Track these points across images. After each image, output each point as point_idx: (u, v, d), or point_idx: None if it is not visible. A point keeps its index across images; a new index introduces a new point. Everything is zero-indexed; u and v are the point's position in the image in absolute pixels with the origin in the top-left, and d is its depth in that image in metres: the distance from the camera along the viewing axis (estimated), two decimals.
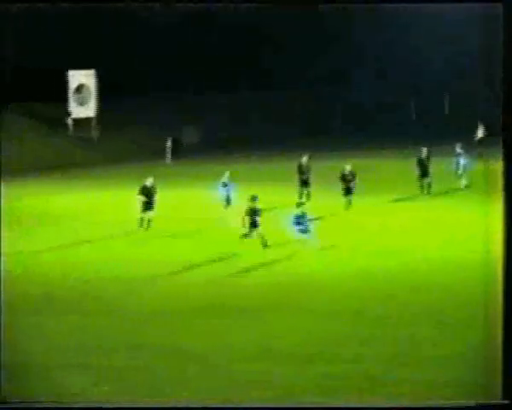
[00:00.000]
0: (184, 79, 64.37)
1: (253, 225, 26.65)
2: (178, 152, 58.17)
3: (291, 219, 26.40)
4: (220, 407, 11.79)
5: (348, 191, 35.22)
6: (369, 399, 13.09)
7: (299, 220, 26.23)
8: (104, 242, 29.54)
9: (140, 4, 34.94)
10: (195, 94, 64.78)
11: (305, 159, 37.73)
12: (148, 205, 30.75)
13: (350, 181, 35.48)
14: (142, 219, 30.60)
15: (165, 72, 63.76)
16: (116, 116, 59.85)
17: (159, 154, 56.91)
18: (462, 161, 39.34)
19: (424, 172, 38.04)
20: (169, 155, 57.53)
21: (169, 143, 57.80)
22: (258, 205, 27.03)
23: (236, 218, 30.66)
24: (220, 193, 33.95)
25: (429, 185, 38.09)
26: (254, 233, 26.76)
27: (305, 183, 36.97)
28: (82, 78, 58.94)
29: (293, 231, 26.28)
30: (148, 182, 31.32)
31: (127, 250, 28.39)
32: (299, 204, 28.10)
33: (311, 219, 26.66)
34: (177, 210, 35.90)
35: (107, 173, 50.11)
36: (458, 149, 39.72)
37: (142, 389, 15.54)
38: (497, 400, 10.20)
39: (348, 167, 36.08)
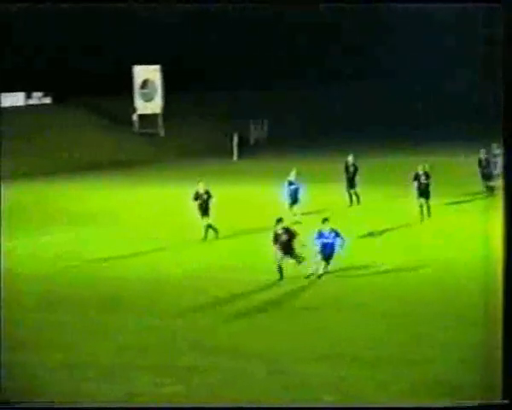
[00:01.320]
0: (253, 75, 63.68)
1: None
2: (245, 149, 57.32)
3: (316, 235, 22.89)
4: (222, 408, 10.90)
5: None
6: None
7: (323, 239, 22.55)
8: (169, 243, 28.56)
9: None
10: (263, 90, 64.02)
11: (350, 158, 35.41)
12: (203, 211, 28.64)
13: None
14: (205, 228, 28.57)
15: (234, 67, 63.17)
16: (182, 112, 59.35)
17: (225, 151, 56.19)
18: (499, 161, 37.50)
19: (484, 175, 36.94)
20: (235, 153, 56.66)
21: (235, 140, 56.92)
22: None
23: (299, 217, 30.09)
24: (286, 192, 32.18)
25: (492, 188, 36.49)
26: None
27: (350, 182, 34.86)
28: (147, 73, 58.54)
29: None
30: (201, 188, 29.04)
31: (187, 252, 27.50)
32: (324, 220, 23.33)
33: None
34: (240, 209, 34.93)
35: (172, 170, 49.47)
36: (497, 150, 37.90)
37: (207, 390, 15.20)
38: (497, 400, 10.19)
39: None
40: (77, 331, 18.90)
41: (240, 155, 56.28)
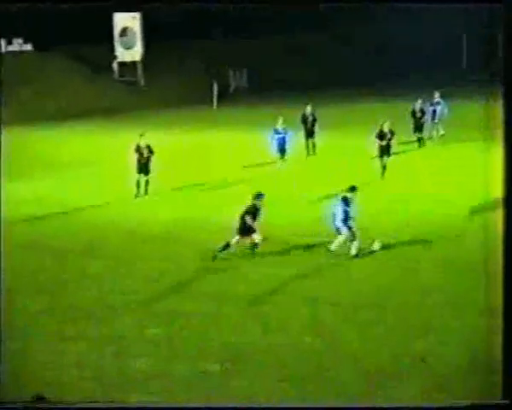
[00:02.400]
0: (231, 22, 63.23)
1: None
2: (225, 97, 57.20)
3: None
4: (221, 407, 11.39)
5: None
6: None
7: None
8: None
9: None
10: (243, 38, 63.63)
11: (308, 108, 34.42)
12: (142, 167, 27.40)
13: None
14: (138, 182, 27.44)
15: (211, 15, 62.68)
16: (162, 61, 59.02)
17: (205, 99, 56.03)
18: (439, 109, 37.28)
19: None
20: (215, 101, 56.57)
21: (215, 88, 56.79)
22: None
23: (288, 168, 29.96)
24: (272, 141, 31.55)
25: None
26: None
27: (309, 133, 34.04)
28: (127, 21, 58.04)
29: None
30: (142, 142, 27.62)
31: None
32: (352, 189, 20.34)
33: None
34: (224, 157, 34.92)
35: (152, 118, 49.36)
36: (437, 98, 37.64)
37: (188, 333, 15.46)
38: (497, 400, 10.18)
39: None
40: (59, 276, 19.14)
41: (219, 104, 56.22)
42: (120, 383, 13.52)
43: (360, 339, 14.99)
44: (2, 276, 17.56)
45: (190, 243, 21.70)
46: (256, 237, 19.89)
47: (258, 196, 20.09)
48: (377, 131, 29.78)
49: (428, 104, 37.26)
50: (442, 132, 37.49)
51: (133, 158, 27.71)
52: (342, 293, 17.47)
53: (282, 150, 31.28)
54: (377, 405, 11.85)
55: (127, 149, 29.02)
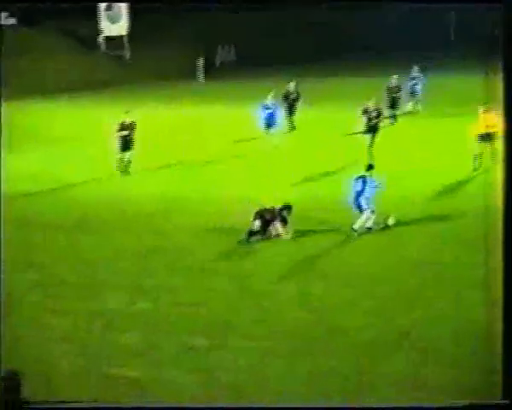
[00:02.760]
0: None
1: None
2: (211, 71, 57.04)
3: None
4: (221, 408, 11.60)
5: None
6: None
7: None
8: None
9: None
10: (232, 12, 63.31)
11: (292, 84, 33.95)
12: (126, 144, 27.04)
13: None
14: (120, 160, 27.14)
15: None
16: (148, 35, 58.73)
17: (191, 73, 55.88)
18: (418, 85, 36.94)
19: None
20: (201, 75, 56.44)
21: (201, 62, 56.65)
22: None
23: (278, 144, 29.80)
24: (262, 116, 30.90)
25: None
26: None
27: (291, 110, 33.44)
28: None
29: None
30: (128, 119, 27.22)
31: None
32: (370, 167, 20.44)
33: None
34: (212, 132, 34.85)
35: (138, 92, 49.23)
36: (415, 73, 37.36)
37: (176, 309, 15.47)
38: (497, 400, 10.09)
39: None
40: (50, 252, 19.21)
41: (206, 78, 56.10)
42: (107, 356, 13.63)
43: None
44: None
45: (181, 219, 21.85)
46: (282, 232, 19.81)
47: (287, 208, 20.03)
48: (363, 108, 28.90)
49: (409, 79, 36.96)
50: (418, 108, 37.05)
51: (116, 135, 27.28)
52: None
53: (270, 125, 30.84)
54: (377, 405, 11.83)
55: (114, 124, 28.83)
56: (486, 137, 25.69)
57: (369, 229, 20.07)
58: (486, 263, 16.57)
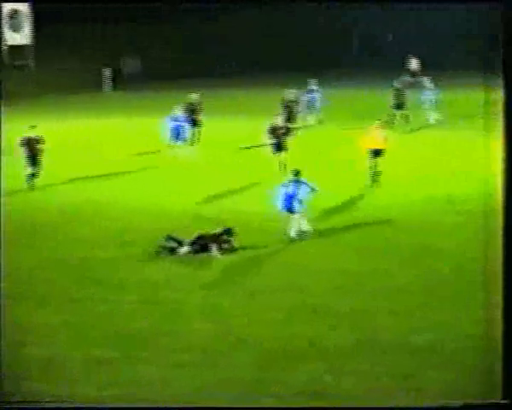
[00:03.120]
0: (123, 8, 62.64)
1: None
2: (118, 82, 56.75)
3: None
4: (223, 408, 11.53)
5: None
6: None
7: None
8: None
9: None
10: (138, 23, 63.20)
11: (194, 96, 33.50)
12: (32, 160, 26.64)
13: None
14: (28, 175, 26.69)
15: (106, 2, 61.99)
16: (53, 45, 58.07)
17: (97, 84, 55.48)
18: (316, 97, 38.05)
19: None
20: (108, 85, 56.09)
21: (108, 74, 56.31)
22: None
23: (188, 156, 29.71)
24: (169, 127, 30.70)
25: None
26: None
27: (195, 122, 32.61)
28: (16, 4, 56.78)
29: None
30: (33, 134, 26.82)
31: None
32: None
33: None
34: (117, 144, 34.67)
35: (42, 103, 48.58)
36: (313, 86, 38.46)
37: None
38: (497, 400, 10.15)
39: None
40: None
41: (112, 89, 55.76)
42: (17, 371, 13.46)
43: None
44: None
45: (85, 231, 21.77)
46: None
47: (228, 231, 19.82)
48: (270, 126, 28.14)
49: (304, 93, 37.77)
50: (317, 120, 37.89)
51: (21, 151, 26.80)
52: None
53: (177, 137, 30.67)
54: (377, 405, 11.88)
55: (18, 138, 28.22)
56: (376, 153, 26.12)
57: (304, 233, 20.41)
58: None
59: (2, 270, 17.98)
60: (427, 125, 37.47)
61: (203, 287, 17.37)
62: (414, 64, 52.27)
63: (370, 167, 26.26)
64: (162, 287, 17.36)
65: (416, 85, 41.28)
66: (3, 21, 56.95)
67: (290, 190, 20.28)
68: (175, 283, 17.68)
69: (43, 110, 42.62)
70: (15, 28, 57.10)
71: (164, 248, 19.51)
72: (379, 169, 26.04)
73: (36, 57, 57.33)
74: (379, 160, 26.02)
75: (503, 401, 10.00)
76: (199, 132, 33.21)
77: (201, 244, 19.54)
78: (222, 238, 19.74)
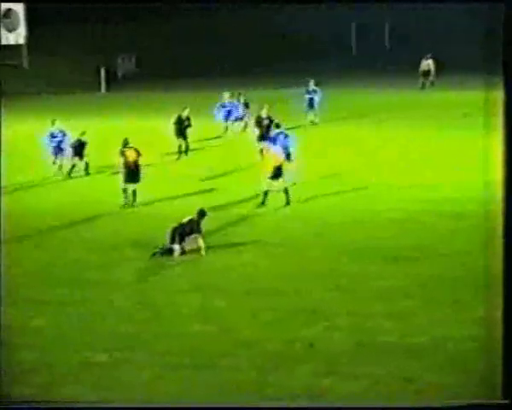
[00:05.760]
0: (117, 7, 62.40)
1: None
2: (113, 83, 56.43)
3: None
4: (222, 408, 11.64)
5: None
6: None
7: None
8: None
9: None
10: (132, 22, 62.95)
11: (186, 112, 32.01)
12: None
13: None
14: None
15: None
16: (48, 44, 57.79)
17: (93, 84, 55.16)
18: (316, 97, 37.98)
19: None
20: (103, 86, 55.77)
21: (103, 74, 55.96)
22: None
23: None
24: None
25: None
26: None
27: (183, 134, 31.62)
28: (10, 3, 56.48)
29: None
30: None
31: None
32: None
33: None
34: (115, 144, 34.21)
35: (36, 104, 48.27)
36: (312, 86, 38.38)
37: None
38: (497, 400, 10.18)
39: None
40: None
41: (108, 89, 55.43)
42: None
43: None
44: None
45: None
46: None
47: (202, 213, 19.30)
48: (255, 117, 29.34)
49: (304, 92, 37.98)
50: (317, 120, 37.94)
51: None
52: None
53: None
54: (377, 405, 11.73)
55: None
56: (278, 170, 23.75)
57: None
58: None
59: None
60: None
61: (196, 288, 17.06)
62: (425, 65, 51.31)
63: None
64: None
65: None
66: None
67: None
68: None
69: (39, 110, 42.15)
70: (9, 28, 56.79)
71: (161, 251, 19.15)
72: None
73: (30, 57, 57.04)
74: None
75: (503, 401, 9.99)
76: (186, 145, 31.95)
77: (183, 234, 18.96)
78: (200, 223, 19.07)
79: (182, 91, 50.49)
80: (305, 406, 11.77)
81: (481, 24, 51.12)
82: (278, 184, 23.37)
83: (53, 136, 28.52)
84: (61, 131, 28.60)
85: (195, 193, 25.41)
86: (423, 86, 48.73)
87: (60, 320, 15.41)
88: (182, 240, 19.10)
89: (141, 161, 24.30)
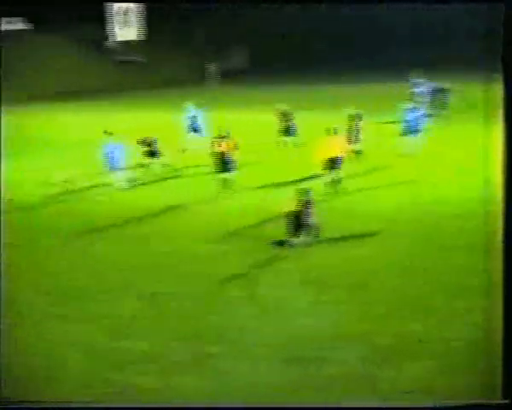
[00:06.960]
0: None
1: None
2: (226, 76, 56.97)
3: None
4: (216, 407, 11.58)
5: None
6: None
7: None
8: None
9: None
10: (245, 15, 63.28)
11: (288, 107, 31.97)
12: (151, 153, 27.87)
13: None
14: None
15: None
16: (162, 40, 58.76)
17: (204, 78, 55.80)
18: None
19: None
20: (216, 79, 56.40)
21: (214, 67, 56.59)
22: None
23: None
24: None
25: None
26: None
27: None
28: (126, 3, 57.80)
29: None
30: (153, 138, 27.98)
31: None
32: None
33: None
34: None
35: (151, 98, 49.12)
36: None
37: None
38: (497, 400, 10.16)
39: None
40: (57, 259, 19.05)
41: (222, 83, 55.97)
42: (113, 362, 13.37)
43: None
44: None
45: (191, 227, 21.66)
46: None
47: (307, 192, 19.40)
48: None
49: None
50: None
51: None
52: None
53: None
54: (377, 405, 11.66)
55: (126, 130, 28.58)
56: (333, 162, 24.11)
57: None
58: None
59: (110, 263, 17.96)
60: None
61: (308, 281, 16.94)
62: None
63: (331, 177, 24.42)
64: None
65: None
66: (113, 18, 57.99)
67: None
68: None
69: (149, 105, 42.80)
70: (125, 25, 58.07)
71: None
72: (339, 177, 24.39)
73: (144, 52, 58.12)
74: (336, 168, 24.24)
75: (503, 401, 10.00)
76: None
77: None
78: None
79: (291, 85, 50.58)
80: (306, 406, 11.64)
81: (481, 24, 49.74)
82: None
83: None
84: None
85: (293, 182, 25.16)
86: None
87: (167, 313, 15.58)
88: (296, 231, 19.08)
89: (236, 154, 24.53)
